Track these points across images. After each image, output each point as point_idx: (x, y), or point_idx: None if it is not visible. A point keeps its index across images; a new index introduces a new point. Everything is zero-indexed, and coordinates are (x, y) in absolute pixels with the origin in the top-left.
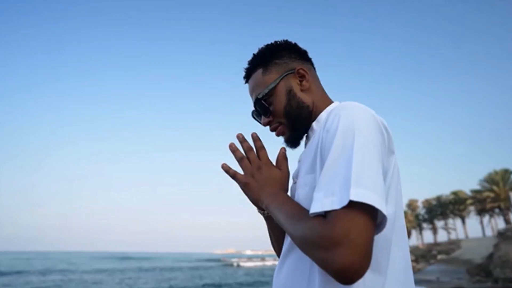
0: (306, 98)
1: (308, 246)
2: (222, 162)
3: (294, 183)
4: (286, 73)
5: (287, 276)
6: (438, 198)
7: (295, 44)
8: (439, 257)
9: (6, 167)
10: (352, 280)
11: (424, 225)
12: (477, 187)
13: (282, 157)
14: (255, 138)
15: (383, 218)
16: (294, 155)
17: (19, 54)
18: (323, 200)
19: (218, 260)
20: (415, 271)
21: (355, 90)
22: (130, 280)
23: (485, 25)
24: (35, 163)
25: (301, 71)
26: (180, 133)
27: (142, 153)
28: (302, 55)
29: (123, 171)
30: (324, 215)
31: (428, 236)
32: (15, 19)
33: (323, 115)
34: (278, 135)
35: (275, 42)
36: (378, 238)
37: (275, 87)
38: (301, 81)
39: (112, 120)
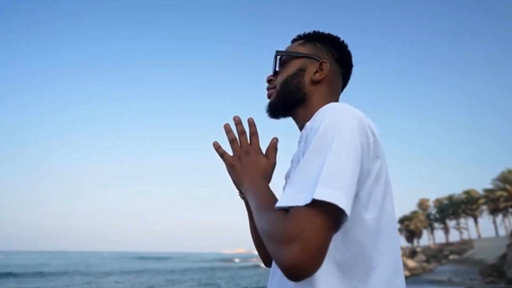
0: (308, 86)
1: (266, 238)
2: (214, 140)
3: (286, 183)
4: (312, 56)
5: (279, 283)
6: (450, 198)
7: (348, 50)
8: (451, 257)
9: (6, 167)
10: (298, 278)
11: (436, 224)
12: (489, 186)
13: (272, 147)
14: (251, 123)
15: (345, 218)
16: (288, 156)
17: (19, 54)
18: (291, 196)
19: (231, 260)
20: (427, 271)
21: (355, 90)
22: (178, 280)
23: (485, 25)
24: (35, 163)
25: (324, 64)
26: (181, 133)
27: (142, 153)
28: (342, 58)
29: (123, 171)
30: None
31: (439, 236)
32: (15, 19)
33: (316, 114)
34: (267, 96)
35: (336, 36)
36: (349, 243)
37: (295, 58)
38: (316, 72)
39: (112, 120)
